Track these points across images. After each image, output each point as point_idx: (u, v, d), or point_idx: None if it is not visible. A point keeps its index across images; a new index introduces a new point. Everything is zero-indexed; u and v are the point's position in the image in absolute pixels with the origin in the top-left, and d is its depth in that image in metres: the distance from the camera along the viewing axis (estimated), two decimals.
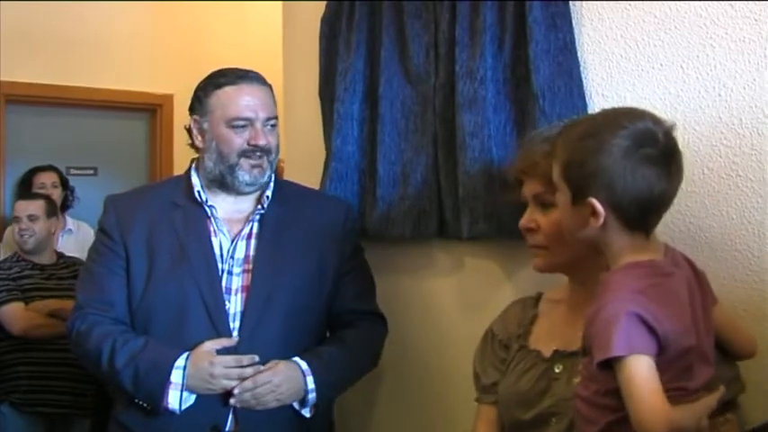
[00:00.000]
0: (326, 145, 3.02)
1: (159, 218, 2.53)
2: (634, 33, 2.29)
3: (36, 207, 4.82)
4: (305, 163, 3.23)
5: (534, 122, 2.35)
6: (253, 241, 2.54)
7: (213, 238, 2.51)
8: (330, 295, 2.62)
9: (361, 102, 2.92)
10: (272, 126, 2.54)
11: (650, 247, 1.72)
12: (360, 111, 2.92)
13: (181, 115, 6.48)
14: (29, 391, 4.51)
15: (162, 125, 6.70)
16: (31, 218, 4.74)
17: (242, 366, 2.38)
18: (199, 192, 2.54)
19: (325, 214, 2.67)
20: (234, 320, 2.46)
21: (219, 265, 2.49)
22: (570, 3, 2.38)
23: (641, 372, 1.59)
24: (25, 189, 5.80)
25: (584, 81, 2.36)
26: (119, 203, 2.60)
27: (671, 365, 1.64)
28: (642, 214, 1.69)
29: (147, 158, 6.83)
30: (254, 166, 2.51)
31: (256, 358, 2.40)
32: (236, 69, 2.57)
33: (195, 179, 2.56)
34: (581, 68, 2.36)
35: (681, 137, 2.12)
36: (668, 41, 2.23)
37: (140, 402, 2.43)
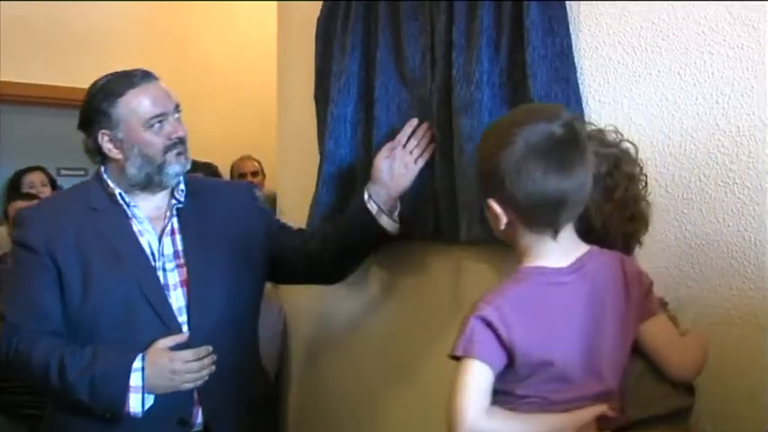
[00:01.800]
0: (320, 147, 3.01)
1: (81, 224, 2.50)
2: (631, 39, 2.28)
3: None
4: (299, 166, 3.23)
5: None
6: (177, 236, 2.57)
7: (140, 238, 2.53)
8: (275, 257, 2.75)
9: (356, 104, 2.91)
10: (180, 112, 2.57)
11: (556, 251, 1.72)
12: (354, 113, 2.91)
13: None
14: (12, 393, 4.48)
15: None
16: None
17: (200, 359, 2.41)
18: (120, 194, 2.53)
19: (233, 198, 2.77)
20: (180, 314, 2.50)
21: (153, 263, 2.51)
22: (567, 6, 2.37)
23: (466, 375, 1.65)
24: (15, 190, 5.75)
25: (581, 87, 2.35)
26: (35, 216, 2.56)
27: (532, 374, 1.68)
28: (539, 213, 1.69)
29: None
30: (179, 155, 2.53)
31: (210, 349, 2.43)
32: (124, 73, 2.55)
33: (112, 184, 2.55)
34: (578, 74, 2.35)
35: (678, 144, 2.15)
36: (666, 48, 2.22)
37: (100, 413, 2.40)
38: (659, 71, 2.23)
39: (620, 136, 1.96)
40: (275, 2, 3.48)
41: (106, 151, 2.52)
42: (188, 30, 6.81)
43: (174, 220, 2.58)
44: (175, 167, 2.52)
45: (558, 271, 1.72)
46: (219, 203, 2.69)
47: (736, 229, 2.09)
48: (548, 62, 2.36)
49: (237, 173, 6.37)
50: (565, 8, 2.36)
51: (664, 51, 2.23)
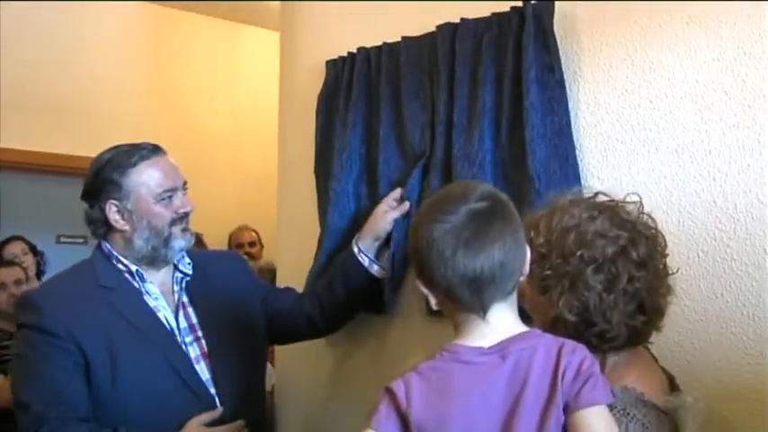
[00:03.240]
0: (321, 220, 3.04)
1: (96, 304, 2.43)
2: (630, 118, 2.33)
3: (18, 272, 4.94)
4: (299, 238, 3.24)
5: (530, 205, 2.34)
6: (189, 309, 2.55)
7: (158, 314, 2.49)
8: (272, 320, 2.76)
9: (357, 179, 2.96)
10: (186, 188, 2.56)
11: (485, 330, 1.66)
12: (355, 188, 2.96)
13: None
14: None
15: None
16: (18, 282, 4.83)
17: None
18: (138, 271, 2.49)
19: (228, 268, 2.77)
20: (209, 387, 2.48)
21: (176, 338, 2.49)
22: (567, 87, 2.42)
23: None
24: None
25: (580, 164, 2.39)
26: (48, 299, 2.46)
27: None
28: (459, 293, 1.63)
29: None
30: (184, 230, 2.52)
31: (244, 423, 2.46)
32: (134, 145, 2.52)
33: (124, 260, 2.50)
34: (577, 152, 2.39)
35: (676, 221, 2.18)
36: (664, 126, 2.27)
37: None
38: (657, 149, 2.28)
39: (639, 208, 1.83)
40: (278, 75, 3.53)
41: (112, 222, 2.47)
42: (191, 101, 6.87)
43: (183, 293, 2.56)
44: (180, 242, 2.51)
45: (475, 350, 1.65)
46: (218, 274, 2.67)
47: (735, 304, 2.11)
48: (547, 140, 2.41)
49: (235, 243, 6.39)
50: (564, 88, 2.41)
51: (662, 129, 2.27)
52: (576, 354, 1.59)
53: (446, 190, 1.78)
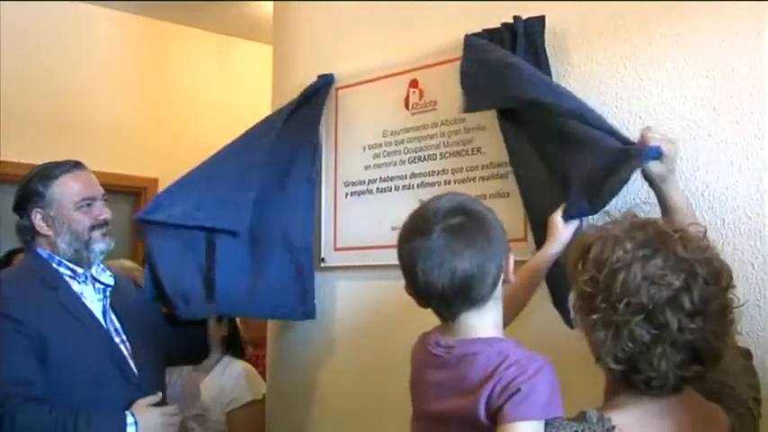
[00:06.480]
0: None
1: (47, 299, 2.64)
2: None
3: None
4: None
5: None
6: (112, 315, 2.77)
7: (96, 315, 2.73)
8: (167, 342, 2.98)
9: None
10: (106, 200, 2.82)
11: (453, 328, 1.78)
12: None
13: None
14: None
15: None
16: None
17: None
18: (85, 272, 2.74)
19: (131, 288, 3.02)
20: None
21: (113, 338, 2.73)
22: None
23: None
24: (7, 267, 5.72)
25: None
26: (8, 289, 2.66)
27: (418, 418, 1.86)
28: (428, 302, 1.77)
29: (130, 241, 6.81)
30: (104, 235, 2.77)
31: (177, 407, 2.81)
32: (58, 162, 2.80)
33: (69, 264, 2.72)
34: None
35: None
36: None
37: None
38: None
39: (705, 242, 1.65)
40: (270, 88, 3.55)
41: (38, 228, 2.72)
42: (184, 115, 6.87)
43: (107, 300, 2.77)
44: (101, 245, 2.74)
45: (437, 342, 1.79)
46: (127, 289, 2.93)
47: None
48: None
49: None
50: None
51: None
52: (511, 370, 1.65)
53: (424, 206, 1.81)
